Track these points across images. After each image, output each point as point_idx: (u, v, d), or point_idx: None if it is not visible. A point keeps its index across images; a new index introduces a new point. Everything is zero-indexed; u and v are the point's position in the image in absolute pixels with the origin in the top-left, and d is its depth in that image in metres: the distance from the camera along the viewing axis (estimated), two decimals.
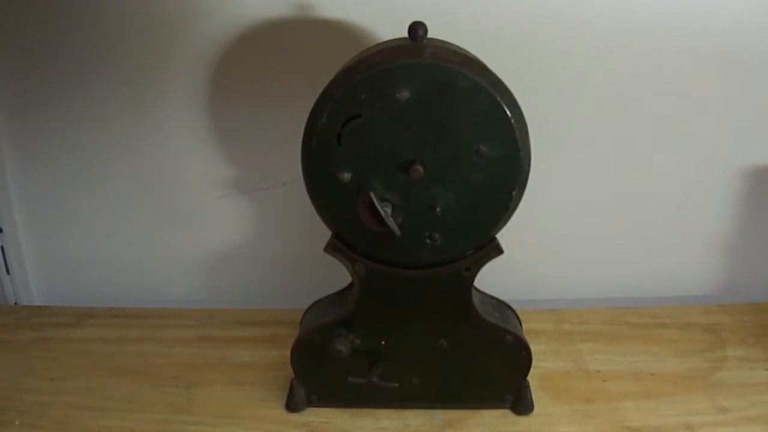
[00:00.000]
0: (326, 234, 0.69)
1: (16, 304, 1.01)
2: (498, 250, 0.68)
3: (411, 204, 0.64)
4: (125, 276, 1.01)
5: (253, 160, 0.93)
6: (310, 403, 0.77)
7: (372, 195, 0.62)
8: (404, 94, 0.60)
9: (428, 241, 0.66)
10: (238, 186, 0.94)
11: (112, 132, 0.92)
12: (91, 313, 0.95)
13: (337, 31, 0.84)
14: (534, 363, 0.74)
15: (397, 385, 0.73)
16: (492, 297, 0.78)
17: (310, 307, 0.80)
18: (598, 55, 0.86)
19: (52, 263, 1.02)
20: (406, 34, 0.63)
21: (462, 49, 0.66)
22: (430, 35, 0.64)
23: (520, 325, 0.78)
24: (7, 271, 0.99)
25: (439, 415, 0.76)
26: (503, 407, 0.76)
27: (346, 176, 0.63)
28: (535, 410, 0.76)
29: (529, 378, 0.75)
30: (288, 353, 0.75)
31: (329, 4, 0.83)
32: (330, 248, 0.69)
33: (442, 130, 0.62)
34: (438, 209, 0.64)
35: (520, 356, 0.74)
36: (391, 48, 0.63)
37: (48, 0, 0.86)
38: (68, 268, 1.02)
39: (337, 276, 0.76)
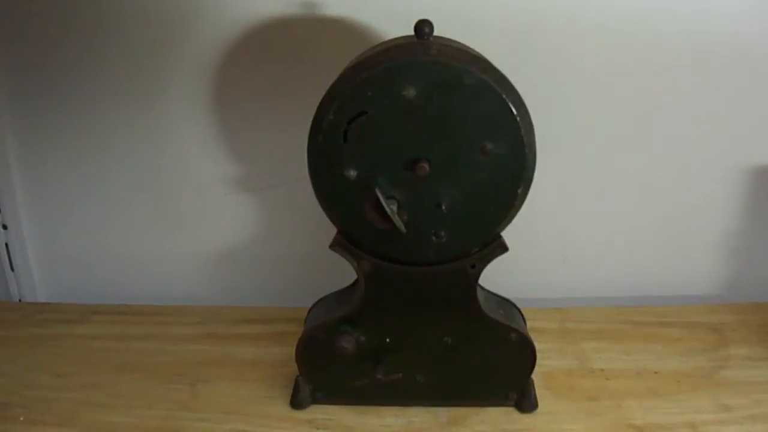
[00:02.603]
0: (332, 231, 0.69)
1: (20, 300, 1.01)
2: (503, 248, 0.68)
3: (417, 201, 0.64)
4: (130, 273, 1.01)
5: (258, 157, 0.93)
6: (314, 400, 0.77)
7: (378, 192, 0.62)
8: (410, 92, 0.60)
9: (434, 238, 0.66)
10: (244, 183, 0.94)
11: (117, 130, 0.93)
12: (96, 309, 0.95)
13: (343, 29, 0.84)
14: (538, 361, 0.74)
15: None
16: (496, 295, 0.78)
17: (315, 305, 0.80)
18: (604, 54, 0.86)
19: (56, 260, 1.02)
20: (412, 32, 0.63)
21: (468, 47, 0.66)
22: (436, 33, 0.64)
23: (525, 323, 0.78)
24: (12, 268, 0.99)
25: (444, 413, 0.76)
26: (507, 405, 0.76)
27: (352, 173, 0.64)
28: (539, 408, 0.76)
29: (533, 376, 0.75)
30: (293, 350, 0.75)
31: (335, 2, 0.83)
32: (335, 245, 0.69)
33: (447, 128, 0.62)
34: (443, 207, 0.64)
35: (524, 354, 0.74)
36: (397, 46, 0.63)
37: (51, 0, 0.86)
38: (72, 265, 1.02)
39: (343, 273, 0.76)
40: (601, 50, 0.86)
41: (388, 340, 0.73)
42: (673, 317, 0.91)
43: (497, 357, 0.73)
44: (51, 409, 0.76)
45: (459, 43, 0.67)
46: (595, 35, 0.85)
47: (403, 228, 0.64)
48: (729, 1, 0.83)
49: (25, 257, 1.01)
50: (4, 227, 0.97)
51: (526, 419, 0.75)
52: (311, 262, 0.93)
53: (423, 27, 0.63)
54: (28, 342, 0.88)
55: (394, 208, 0.64)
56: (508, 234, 0.69)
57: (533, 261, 0.95)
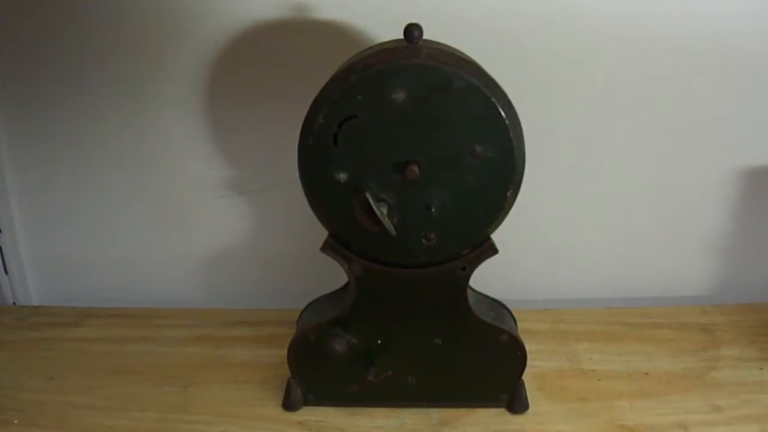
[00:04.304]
0: (323, 234, 0.69)
1: (14, 304, 1.01)
2: (493, 250, 0.69)
3: (406, 204, 0.65)
4: (123, 276, 1.01)
5: (250, 160, 0.93)
6: (306, 402, 0.77)
7: (368, 195, 0.62)
8: (400, 95, 0.61)
9: (424, 241, 0.67)
10: (236, 186, 0.94)
11: (110, 132, 0.93)
12: (90, 312, 0.95)
13: (333, 32, 0.84)
14: (529, 362, 0.75)
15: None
16: (487, 296, 0.79)
17: (306, 307, 0.80)
18: (594, 56, 0.86)
19: (50, 263, 1.02)
20: (401, 36, 0.63)
21: (457, 50, 0.67)
22: (425, 37, 0.64)
23: (516, 324, 0.78)
24: (6, 272, 0.99)
25: (435, 414, 0.76)
26: (498, 406, 0.76)
27: (343, 176, 0.64)
28: (530, 409, 0.76)
29: (524, 377, 0.75)
30: (285, 352, 0.75)
31: (326, 5, 0.84)
32: (326, 248, 0.69)
33: (437, 131, 0.62)
34: (433, 209, 0.65)
35: (515, 355, 0.74)
36: (387, 49, 0.64)
37: (46, 0, 0.86)
38: (66, 268, 1.02)
39: (334, 276, 0.76)
40: (591, 52, 0.86)
41: (379, 342, 0.73)
42: (664, 318, 0.92)
43: (488, 358, 0.74)
44: (44, 412, 0.77)
45: (448, 46, 0.67)
46: (586, 37, 0.85)
47: (393, 230, 0.64)
48: (727, 2, 0.84)
49: (19, 260, 1.01)
50: None
51: (517, 420, 0.75)
52: (302, 265, 0.93)
53: (412, 30, 0.63)
54: (22, 345, 0.88)
55: (384, 210, 0.64)
56: (498, 236, 0.69)
57: (524, 262, 0.95)
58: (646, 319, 0.91)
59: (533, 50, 0.85)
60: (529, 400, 0.76)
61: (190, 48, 0.87)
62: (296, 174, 0.66)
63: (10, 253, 0.99)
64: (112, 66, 0.89)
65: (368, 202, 0.62)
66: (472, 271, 0.70)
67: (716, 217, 0.95)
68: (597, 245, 0.97)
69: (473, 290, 0.76)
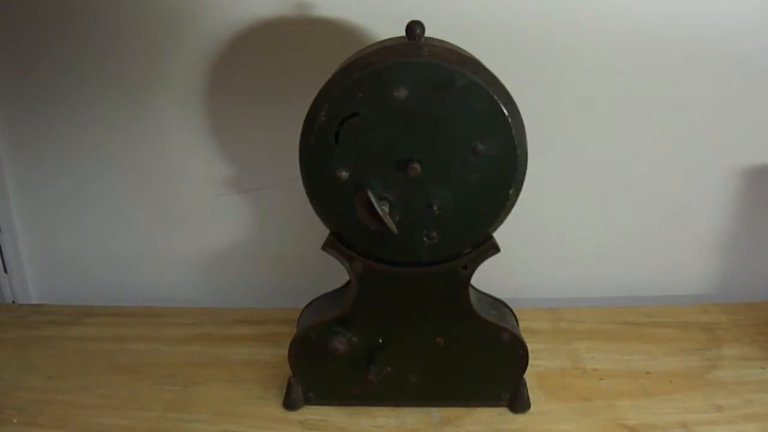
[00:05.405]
0: (324, 232, 0.69)
1: (13, 302, 1.01)
2: (495, 249, 0.69)
3: (408, 202, 0.65)
4: (123, 274, 1.01)
5: (251, 158, 0.93)
6: (307, 401, 0.77)
7: (369, 193, 0.62)
8: (401, 93, 0.60)
9: (425, 239, 0.66)
10: (236, 185, 0.94)
11: (110, 131, 0.93)
12: (89, 311, 0.95)
13: (335, 29, 0.84)
14: (531, 361, 0.74)
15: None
16: (489, 295, 0.79)
17: (307, 306, 0.80)
18: (596, 55, 0.86)
19: (49, 261, 1.02)
20: (403, 33, 0.63)
21: (459, 48, 0.66)
22: (427, 34, 0.64)
23: (517, 323, 0.78)
24: (5, 270, 0.99)
25: (436, 413, 0.76)
26: (500, 405, 0.76)
27: (344, 174, 0.64)
28: (532, 408, 0.76)
29: (525, 376, 0.75)
30: (285, 351, 0.75)
31: (327, 3, 0.84)
32: (328, 246, 0.69)
33: (439, 129, 0.62)
34: (435, 207, 0.64)
35: (516, 354, 0.74)
36: (389, 47, 0.63)
37: (47, 0, 0.86)
38: (66, 267, 1.02)
39: (335, 274, 0.76)
40: (594, 51, 0.86)
41: (380, 340, 0.73)
42: (665, 317, 0.92)
43: (489, 357, 0.74)
44: (44, 411, 0.76)
45: (450, 44, 0.67)
46: (588, 36, 0.85)
47: (394, 229, 0.64)
48: (727, 2, 0.84)
49: (18, 259, 1.01)
50: None
51: (519, 419, 0.75)
52: (304, 264, 0.93)
53: (414, 28, 0.63)
54: (22, 344, 0.88)
55: (386, 209, 0.64)
56: (500, 234, 0.69)
57: (526, 261, 0.95)
58: (647, 318, 0.91)
59: (535, 48, 0.85)
60: (531, 399, 0.76)
61: (190, 46, 0.87)
62: (297, 172, 0.65)
63: (10, 251, 0.99)
64: (113, 64, 0.89)
65: (370, 200, 0.62)
66: (473, 270, 0.69)
67: (717, 215, 0.95)
68: (598, 244, 0.97)
69: (475, 289, 0.76)
